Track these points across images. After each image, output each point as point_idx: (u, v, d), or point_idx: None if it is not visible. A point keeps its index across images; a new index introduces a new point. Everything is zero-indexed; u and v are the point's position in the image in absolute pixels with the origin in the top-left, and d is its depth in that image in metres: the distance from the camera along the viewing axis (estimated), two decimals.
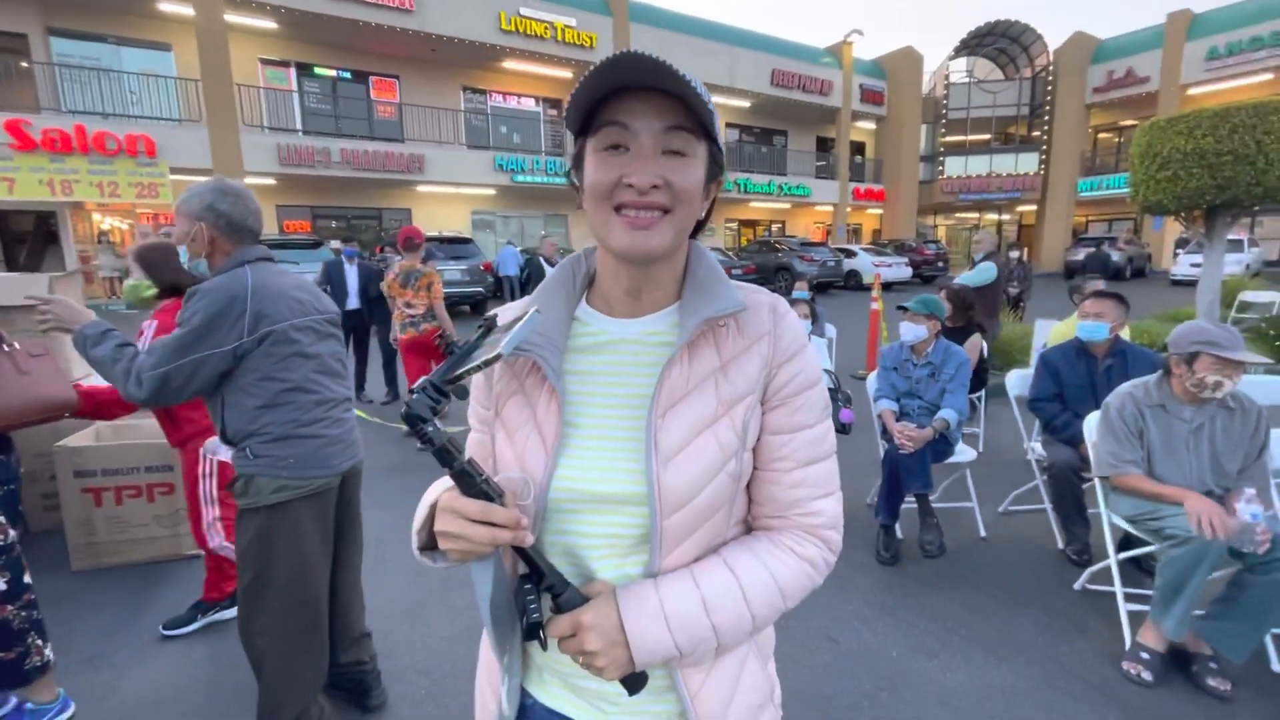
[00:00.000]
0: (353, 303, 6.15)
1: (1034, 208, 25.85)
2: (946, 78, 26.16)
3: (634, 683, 0.68)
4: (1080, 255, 19.81)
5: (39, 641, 1.85)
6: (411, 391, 0.61)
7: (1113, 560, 2.46)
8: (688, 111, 0.65)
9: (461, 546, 0.63)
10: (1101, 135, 25.48)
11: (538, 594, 0.66)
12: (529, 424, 0.73)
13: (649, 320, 0.75)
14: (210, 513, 2.37)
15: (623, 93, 0.65)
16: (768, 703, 0.80)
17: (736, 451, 0.71)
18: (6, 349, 1.88)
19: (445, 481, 0.73)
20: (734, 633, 0.70)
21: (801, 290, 5.42)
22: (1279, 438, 2.34)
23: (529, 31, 16.37)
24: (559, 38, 16.88)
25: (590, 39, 17.31)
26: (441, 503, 0.65)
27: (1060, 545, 3.09)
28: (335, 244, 11.57)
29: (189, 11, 13.00)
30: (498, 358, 0.61)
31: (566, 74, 18.57)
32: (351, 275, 6.17)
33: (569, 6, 17.05)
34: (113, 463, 2.96)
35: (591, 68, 0.61)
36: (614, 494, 0.70)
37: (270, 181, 14.88)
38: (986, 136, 26.15)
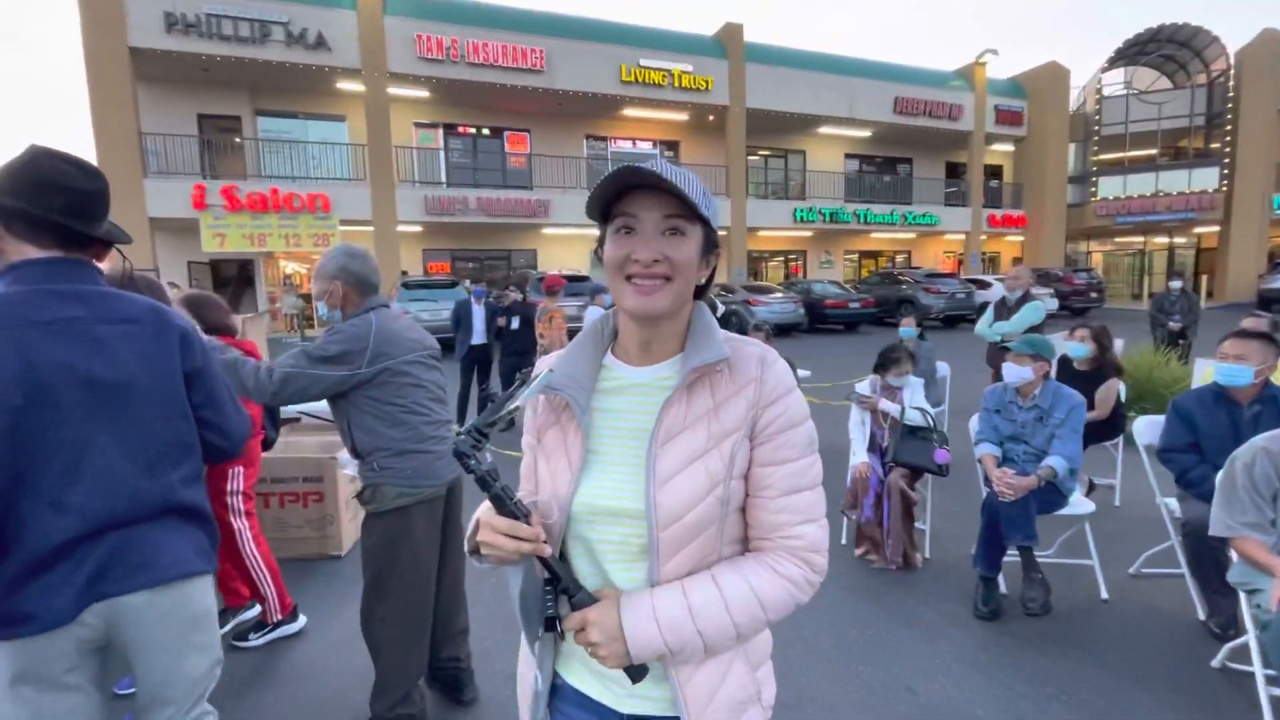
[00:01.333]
0: (478, 338, 6.78)
1: (1215, 229, 22.54)
2: (1099, 91, 23.81)
3: (635, 673, 0.83)
4: (1277, 283, 16.98)
5: None
6: (459, 433, 0.79)
7: (1252, 635, 2.16)
8: (682, 203, 0.82)
9: (494, 554, 0.82)
10: None
11: (555, 595, 0.83)
12: (560, 449, 0.91)
13: (658, 368, 0.92)
14: (240, 524, 2.70)
15: (632, 190, 0.84)
16: (754, 702, 0.91)
17: (724, 479, 0.84)
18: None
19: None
20: (719, 637, 0.83)
21: (908, 328, 5.18)
22: None
23: (648, 80, 17.26)
24: (676, 84, 17.62)
25: (707, 82, 17.88)
26: (480, 518, 0.85)
27: (1201, 616, 2.73)
28: (467, 284, 12.78)
29: (360, 88, 15.21)
30: (518, 409, 0.81)
31: (683, 116, 19.27)
32: (478, 313, 6.83)
33: (686, 53, 17.80)
34: (279, 473, 3.54)
35: (606, 175, 0.81)
36: (621, 509, 0.86)
37: (418, 229, 16.76)
38: (1151, 152, 23.35)
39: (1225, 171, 21.63)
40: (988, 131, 22.48)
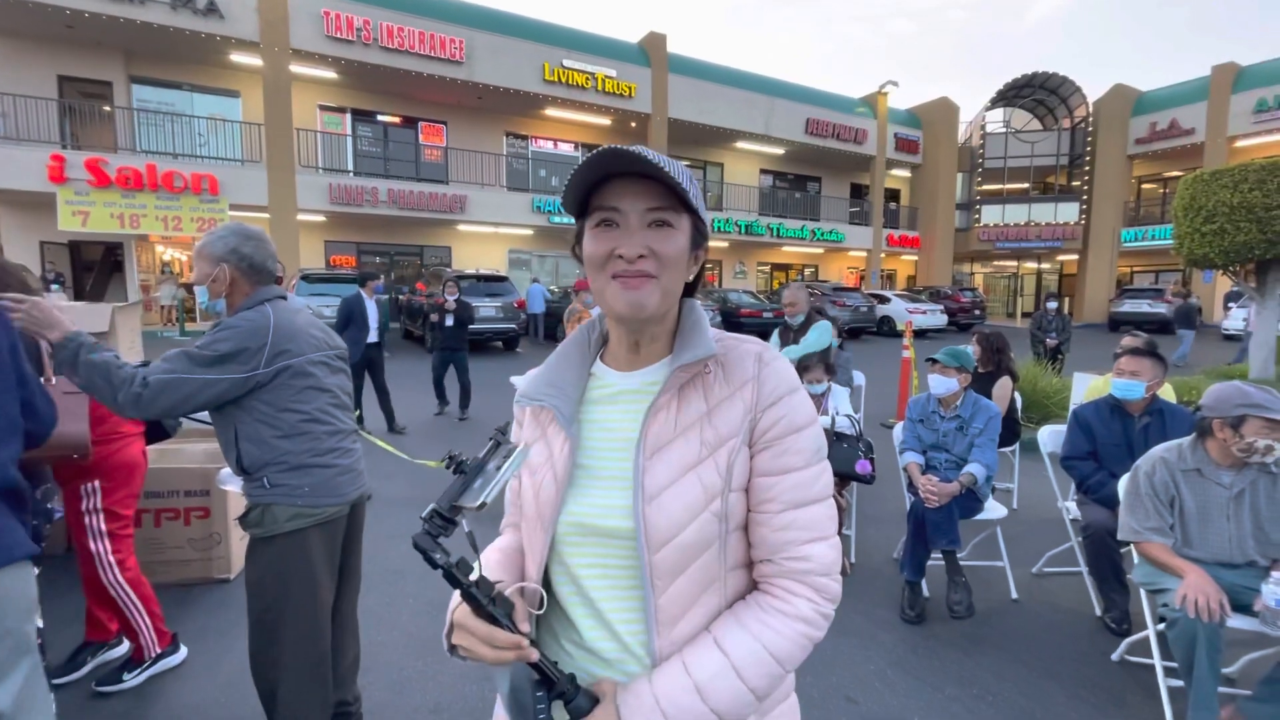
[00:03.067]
0: (372, 336, 6.41)
1: (1075, 257, 25.36)
2: (983, 127, 26.20)
3: None
4: (1124, 306, 19.31)
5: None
6: (423, 519, 0.65)
7: (1151, 631, 2.34)
8: (668, 191, 0.74)
9: (474, 660, 0.70)
10: (1145, 185, 25.06)
11: (548, 701, 0.70)
12: (547, 464, 0.82)
13: (647, 371, 0.83)
14: (99, 547, 2.30)
15: (612, 178, 0.74)
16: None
17: (721, 492, 0.75)
18: (43, 380, 1.81)
19: (484, 559, 0.82)
20: (735, 709, 0.72)
21: None
22: None
23: (571, 82, 17.08)
24: (599, 88, 17.55)
25: (630, 89, 17.95)
26: (455, 618, 0.71)
27: (1098, 612, 2.95)
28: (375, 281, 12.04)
29: (258, 63, 13.98)
30: (483, 506, 0.66)
31: (606, 121, 19.23)
32: (372, 310, 6.41)
33: (610, 58, 17.78)
34: (154, 485, 3.08)
35: (582, 160, 0.71)
36: (609, 528, 0.76)
37: (320, 218, 15.62)
38: (1025, 185, 25.95)
39: (1084, 206, 24.39)
40: (888, 157, 24.10)
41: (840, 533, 3.43)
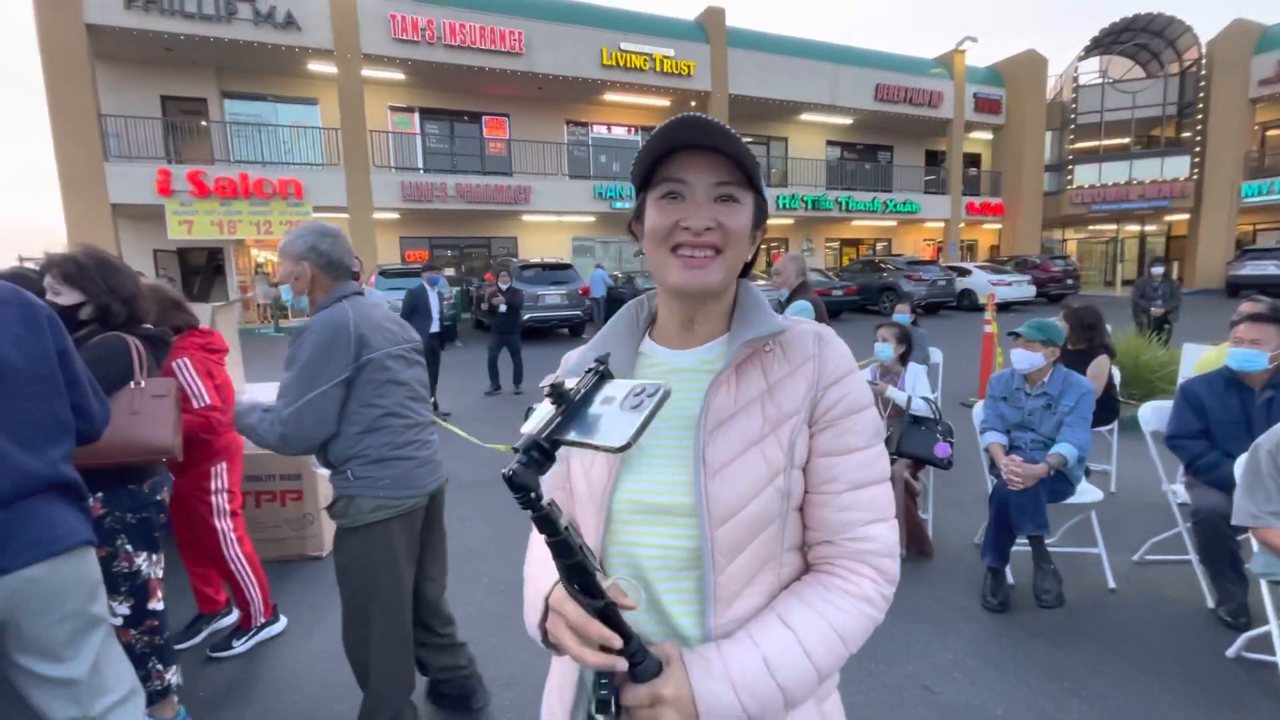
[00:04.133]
0: (434, 326, 6.75)
1: (1185, 217, 23.01)
2: (1075, 80, 24.06)
3: None
4: (1246, 269, 17.38)
5: (159, 666, 1.95)
6: (516, 450, 0.57)
7: (1275, 626, 2.12)
8: (736, 168, 0.74)
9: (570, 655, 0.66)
10: (1271, 132, 22.32)
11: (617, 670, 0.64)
12: None
13: (702, 350, 0.81)
14: (224, 525, 2.53)
15: (680, 152, 0.74)
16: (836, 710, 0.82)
17: (784, 468, 0.74)
18: (133, 385, 1.85)
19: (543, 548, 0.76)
20: (800, 687, 0.71)
21: (902, 314, 5.14)
22: None
23: (629, 65, 16.99)
24: (658, 69, 17.37)
25: (689, 67, 17.66)
26: (552, 603, 0.70)
27: (1210, 604, 2.70)
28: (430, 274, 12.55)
29: (333, 70, 14.71)
30: (626, 447, 0.55)
31: (665, 102, 19.02)
32: (434, 300, 6.70)
33: (667, 37, 17.54)
34: (254, 470, 3.34)
35: (655, 130, 0.71)
36: (667, 504, 0.75)
37: (394, 216, 16.34)
38: (1125, 141, 23.72)
39: (1196, 160, 22.04)
40: (967, 119, 22.61)
41: (918, 515, 3.33)
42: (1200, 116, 21.98)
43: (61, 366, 1.42)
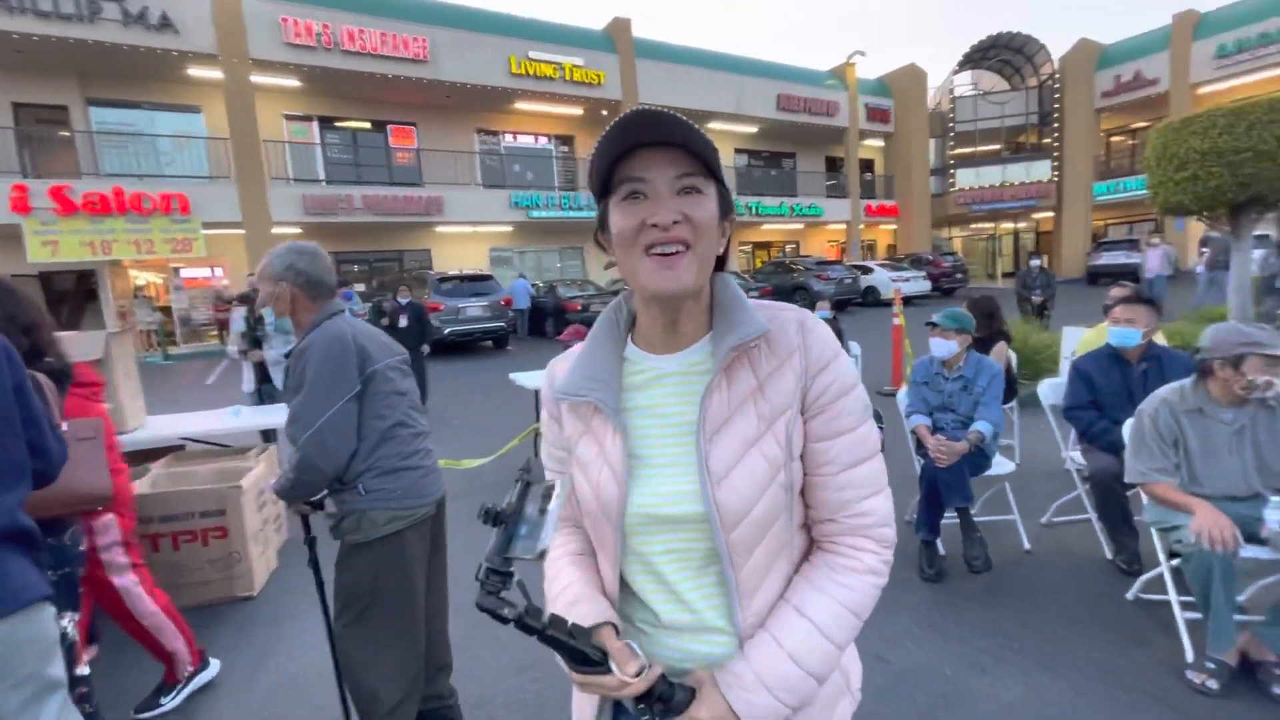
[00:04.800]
0: None
1: (1050, 214, 25.64)
2: (951, 92, 26.29)
3: None
4: (1102, 259, 19.60)
5: None
6: (478, 579, 0.65)
7: (1165, 568, 2.42)
8: (694, 158, 0.73)
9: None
10: (1114, 139, 25.33)
11: (650, 708, 0.71)
12: (599, 459, 0.81)
13: (688, 352, 0.82)
14: (125, 581, 2.26)
15: (635, 150, 0.73)
16: (844, 693, 0.86)
17: (784, 463, 0.76)
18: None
19: (563, 574, 0.86)
20: (826, 667, 0.76)
21: (824, 310, 5.44)
22: None
23: (539, 73, 16.90)
24: (568, 77, 17.38)
25: (598, 77, 17.80)
26: (573, 679, 0.74)
27: (1109, 555, 3.04)
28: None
29: (218, 75, 13.67)
30: (543, 555, 0.65)
31: (577, 111, 19.07)
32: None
33: (576, 47, 17.60)
34: (169, 509, 3.07)
35: (605, 131, 0.70)
36: (679, 515, 0.77)
37: (296, 230, 15.37)
38: (997, 147, 26.13)
39: (1055, 164, 24.62)
40: (860, 128, 24.15)
41: None
42: (1057, 125, 24.59)
43: (18, 403, 1.30)
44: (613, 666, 0.68)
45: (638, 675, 0.69)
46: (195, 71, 14.01)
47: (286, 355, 1.69)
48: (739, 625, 0.77)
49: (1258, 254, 12.54)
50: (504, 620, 0.64)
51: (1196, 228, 19.25)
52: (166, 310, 15.26)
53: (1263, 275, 5.91)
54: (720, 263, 0.81)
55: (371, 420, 1.70)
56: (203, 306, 15.66)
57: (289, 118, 16.30)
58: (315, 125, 16.72)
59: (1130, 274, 17.37)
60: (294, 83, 15.23)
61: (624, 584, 0.83)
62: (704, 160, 0.73)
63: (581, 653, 0.67)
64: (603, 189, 0.76)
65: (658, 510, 0.77)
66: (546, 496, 0.67)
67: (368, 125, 17.34)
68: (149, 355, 13.80)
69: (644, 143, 0.72)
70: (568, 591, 0.81)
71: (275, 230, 14.25)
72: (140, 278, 15.86)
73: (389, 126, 17.55)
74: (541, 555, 0.64)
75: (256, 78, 14.10)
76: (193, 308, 15.65)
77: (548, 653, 0.70)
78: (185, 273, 15.56)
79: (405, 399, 1.80)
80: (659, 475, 0.78)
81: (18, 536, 1.26)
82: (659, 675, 0.71)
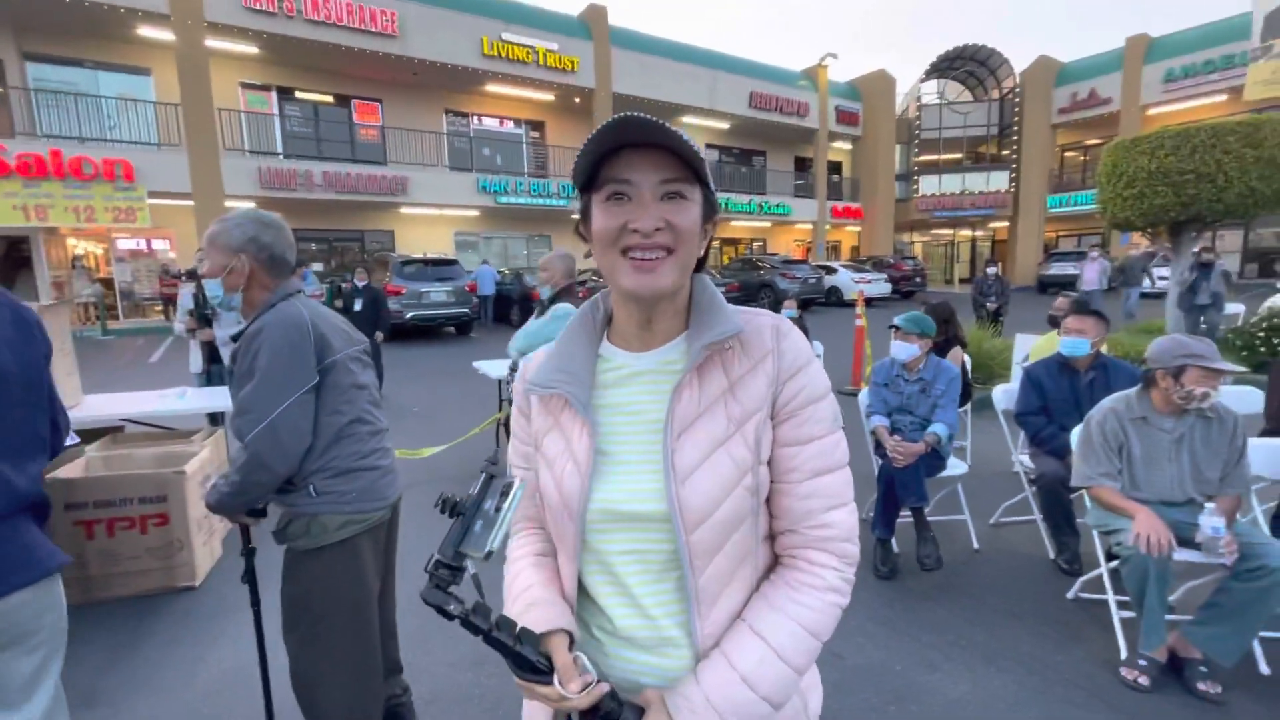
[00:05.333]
0: None
1: (1006, 224, 26.54)
2: (918, 99, 26.92)
3: None
4: (1052, 269, 20.41)
5: None
6: (427, 571, 0.63)
7: (1104, 569, 2.53)
8: (681, 163, 0.73)
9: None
10: (1068, 154, 26.34)
11: None
12: (565, 454, 0.79)
13: (662, 351, 0.81)
14: None
15: (623, 149, 0.72)
16: (799, 715, 0.82)
17: (751, 466, 0.75)
18: None
19: (523, 575, 0.84)
20: (781, 691, 0.73)
21: (790, 309, 5.50)
22: (1257, 445, 2.44)
23: (511, 56, 16.58)
24: (541, 62, 17.10)
25: (572, 63, 17.57)
26: (518, 682, 0.73)
27: (1051, 555, 3.17)
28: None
29: (169, 37, 12.97)
30: (490, 555, 0.65)
31: (549, 97, 18.80)
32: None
33: (551, 31, 17.32)
34: (104, 494, 2.91)
35: (596, 129, 0.69)
36: (640, 513, 0.75)
37: (251, 204, 14.74)
38: (959, 156, 26.88)
39: (1013, 175, 25.48)
40: (830, 129, 24.51)
41: None
42: (1016, 137, 25.44)
43: (47, 377, 1.33)
44: (555, 679, 0.67)
45: (581, 691, 0.68)
46: (145, 31, 13.26)
47: (234, 338, 1.56)
48: (696, 636, 0.75)
49: (1160, 270, 13.22)
50: (449, 616, 0.62)
51: (1138, 243, 20.23)
52: (107, 282, 14.49)
53: (1180, 290, 6.26)
54: (700, 263, 0.81)
55: (327, 416, 1.56)
56: (147, 280, 14.93)
57: (246, 86, 15.61)
58: (274, 95, 16.06)
59: (1071, 284, 18.24)
60: (252, 49, 14.57)
61: (582, 589, 0.82)
62: (691, 165, 0.72)
63: (526, 659, 0.66)
64: (586, 183, 0.76)
65: (619, 506, 0.75)
66: (504, 494, 0.66)
67: (330, 99, 16.74)
68: (87, 329, 13.08)
69: (631, 143, 0.71)
70: (527, 594, 0.80)
71: (228, 203, 13.64)
72: (79, 247, 15.01)
73: (353, 101, 16.99)
74: (488, 556, 0.62)
75: (212, 42, 13.43)
76: (136, 281, 14.91)
77: None
78: (128, 244, 14.79)
79: (364, 393, 1.67)
80: (624, 472, 0.77)
81: (38, 506, 1.28)
82: (605, 693, 0.69)
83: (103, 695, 2.27)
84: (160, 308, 14.42)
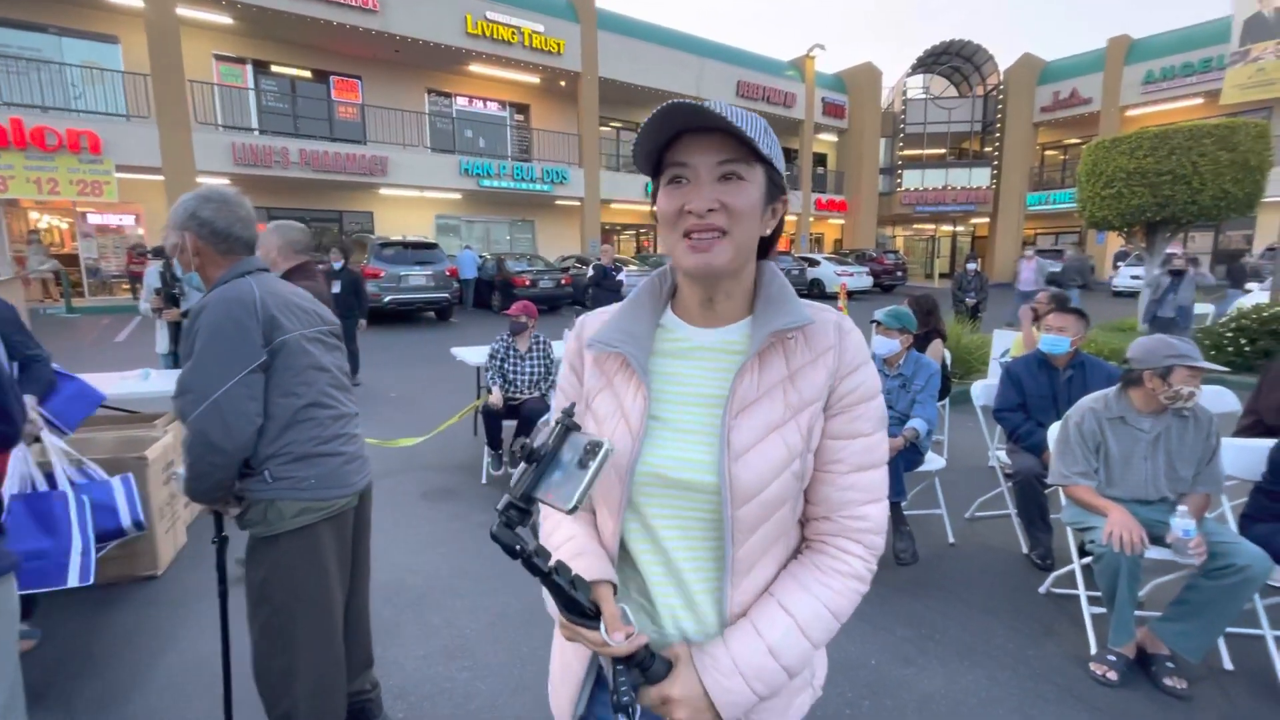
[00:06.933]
0: None
1: (986, 220, 26.85)
2: (904, 93, 26.99)
3: None
4: (1056, 266, 20.70)
5: None
6: (497, 510, 0.65)
7: (1076, 565, 2.56)
8: (739, 144, 0.74)
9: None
10: (1048, 153, 26.66)
11: (628, 671, 0.73)
12: (616, 414, 0.82)
13: (726, 330, 0.84)
14: None
15: (683, 135, 0.75)
16: (806, 687, 0.88)
17: (801, 453, 0.78)
18: None
19: (565, 526, 0.85)
20: (800, 664, 0.78)
21: None
22: (1228, 445, 2.47)
23: (496, 36, 16.25)
24: (526, 43, 16.80)
25: (558, 45, 17.28)
26: (561, 620, 0.75)
27: (1025, 550, 3.20)
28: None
29: (138, 4, 12.47)
30: (575, 509, 0.65)
31: (534, 79, 18.50)
32: None
33: (537, 12, 17.00)
34: None
35: (647, 118, 0.71)
36: (688, 481, 0.78)
37: (224, 182, 14.33)
38: (942, 151, 27.07)
39: (995, 172, 25.76)
40: (816, 121, 24.49)
41: None
42: (998, 134, 25.67)
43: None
44: (601, 626, 0.70)
45: (624, 640, 0.71)
46: None
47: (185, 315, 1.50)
48: (725, 603, 0.79)
49: (1134, 270, 13.27)
50: (514, 555, 0.64)
51: (1113, 242, 20.60)
52: (72, 259, 14.00)
53: (1149, 299, 6.34)
54: (767, 244, 0.83)
55: (281, 398, 1.50)
56: (115, 256, 14.46)
57: (220, 58, 15.11)
58: (249, 69, 15.57)
59: (1052, 282, 18.49)
60: (226, 20, 14.08)
61: (623, 550, 0.85)
62: (750, 144, 0.73)
63: (578, 603, 0.69)
64: (654, 170, 0.79)
65: (668, 472, 0.78)
66: (590, 452, 0.66)
67: (308, 74, 16.28)
68: (50, 306, 12.65)
69: (690, 129, 0.74)
70: (572, 543, 0.82)
71: (200, 179, 13.24)
72: (43, 220, 14.49)
73: (331, 77, 16.54)
74: (572, 510, 0.64)
75: (183, 10, 12.95)
76: (102, 257, 14.44)
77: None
78: (95, 219, 14.30)
79: (325, 375, 1.61)
80: (675, 439, 0.79)
81: None
82: (642, 644, 0.73)
83: (54, 692, 2.18)
84: (128, 285, 14.00)
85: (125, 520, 2.40)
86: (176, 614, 2.66)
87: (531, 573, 0.66)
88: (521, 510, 0.66)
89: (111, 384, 3.56)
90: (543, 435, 0.69)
